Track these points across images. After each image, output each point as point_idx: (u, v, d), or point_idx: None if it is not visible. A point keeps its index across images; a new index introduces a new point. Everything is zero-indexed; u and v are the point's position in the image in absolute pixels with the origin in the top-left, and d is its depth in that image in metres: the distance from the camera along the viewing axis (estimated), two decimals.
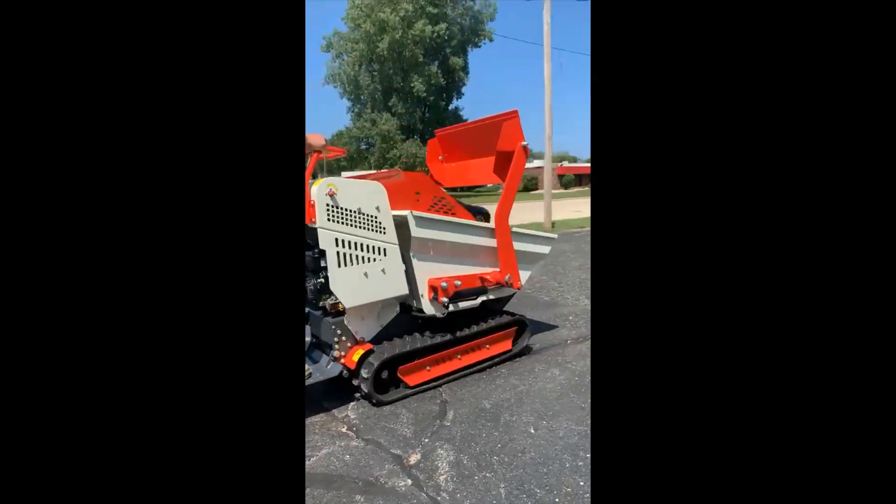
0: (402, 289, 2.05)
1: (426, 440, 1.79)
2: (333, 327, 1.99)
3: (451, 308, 2.19)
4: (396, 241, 2.02)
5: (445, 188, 2.89)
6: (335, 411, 2.05)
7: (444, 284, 2.11)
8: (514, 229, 2.47)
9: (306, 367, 2.03)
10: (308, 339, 2.23)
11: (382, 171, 2.59)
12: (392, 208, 2.00)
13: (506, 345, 2.51)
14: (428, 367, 2.21)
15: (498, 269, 2.36)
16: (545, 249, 2.62)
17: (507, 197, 2.32)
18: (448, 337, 2.25)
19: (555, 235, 2.87)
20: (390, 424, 1.92)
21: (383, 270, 1.97)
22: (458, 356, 2.32)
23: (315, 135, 2.01)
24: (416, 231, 2.01)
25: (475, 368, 2.39)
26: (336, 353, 2.02)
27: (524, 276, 2.49)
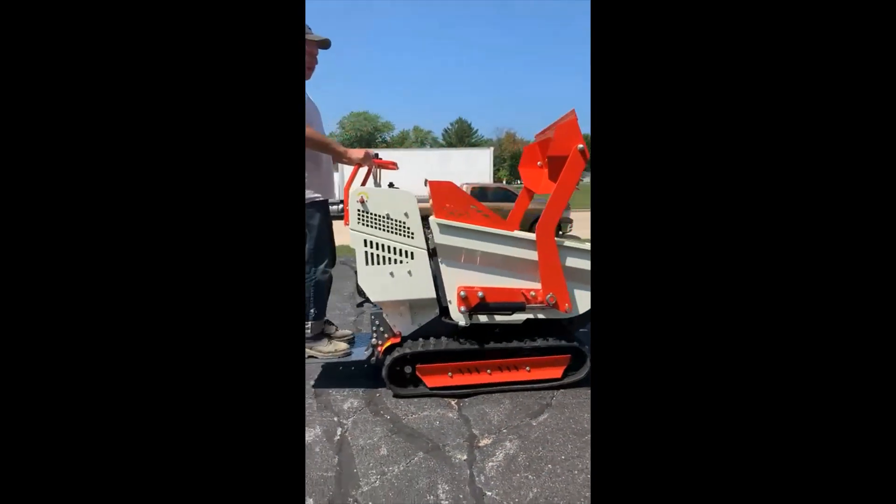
0: (428, 292, 2.17)
1: (505, 430, 1.92)
2: (373, 317, 2.30)
3: (484, 319, 2.18)
4: (425, 247, 2.13)
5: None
6: None
7: (462, 294, 2.13)
8: (568, 243, 2.18)
9: (348, 345, 2.41)
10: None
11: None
12: (441, 216, 2.12)
13: (553, 372, 2.27)
14: (450, 374, 2.23)
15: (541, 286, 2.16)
16: None
17: (555, 206, 2.11)
18: (474, 347, 2.21)
19: None
20: (488, 408, 2.11)
21: (409, 272, 2.13)
22: (488, 371, 2.24)
23: (356, 150, 2.26)
24: (438, 238, 2.11)
25: (512, 388, 2.26)
26: (373, 341, 2.32)
27: (587, 297, 2.21)
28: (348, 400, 2.23)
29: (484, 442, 1.84)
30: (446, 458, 1.73)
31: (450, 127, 42.68)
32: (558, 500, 1.48)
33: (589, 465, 1.65)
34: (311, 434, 1.91)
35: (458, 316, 2.18)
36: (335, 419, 2.04)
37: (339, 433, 1.93)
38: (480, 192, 10.47)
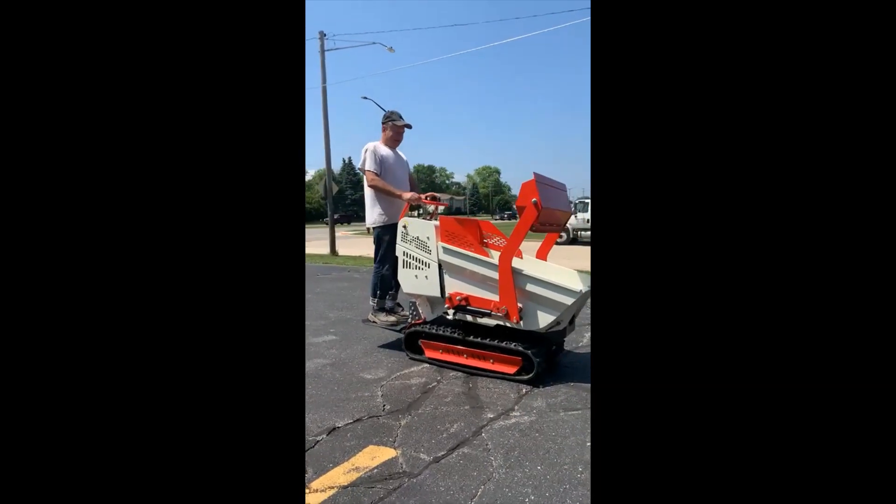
0: (437, 292, 3.13)
1: (534, 411, 2.51)
2: (411, 304, 3.47)
3: (461, 317, 3.07)
4: (437, 260, 3.12)
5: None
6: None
7: (447, 296, 3.08)
8: (527, 272, 2.73)
9: (396, 320, 3.53)
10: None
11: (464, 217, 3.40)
12: (445, 241, 2.99)
13: (508, 368, 2.98)
14: (441, 351, 3.23)
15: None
16: (565, 299, 2.71)
17: (512, 242, 2.86)
18: (457, 336, 3.10)
19: (578, 288, 2.54)
20: (540, 395, 2.70)
21: (426, 277, 3.19)
22: (465, 355, 3.13)
23: (408, 192, 3.59)
24: (441, 256, 3.08)
25: (480, 373, 3.05)
26: (410, 320, 3.50)
27: (545, 318, 2.82)
28: (454, 371, 3.18)
29: (514, 413, 2.50)
30: (479, 414, 2.49)
31: None
32: (518, 452, 2.08)
33: (563, 440, 2.14)
34: (416, 381, 2.97)
35: (449, 312, 3.13)
36: (437, 377, 3.04)
37: (432, 385, 2.91)
38: None
